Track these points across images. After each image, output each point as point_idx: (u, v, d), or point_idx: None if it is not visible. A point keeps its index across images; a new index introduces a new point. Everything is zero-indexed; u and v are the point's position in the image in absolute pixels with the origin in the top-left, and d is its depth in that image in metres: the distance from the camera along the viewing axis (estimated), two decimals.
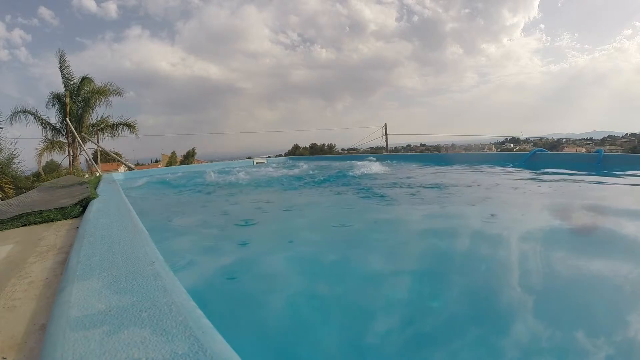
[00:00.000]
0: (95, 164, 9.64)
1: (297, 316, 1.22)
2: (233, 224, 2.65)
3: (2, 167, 7.58)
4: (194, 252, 1.91)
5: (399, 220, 2.62)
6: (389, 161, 7.25)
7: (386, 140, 12.37)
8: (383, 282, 1.46)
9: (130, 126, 13.27)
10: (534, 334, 1.06)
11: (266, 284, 1.48)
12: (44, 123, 12.28)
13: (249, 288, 1.45)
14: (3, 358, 0.63)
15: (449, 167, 5.78)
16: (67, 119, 10.96)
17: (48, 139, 12.37)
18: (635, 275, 1.44)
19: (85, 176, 8.31)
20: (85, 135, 11.92)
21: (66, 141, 12.24)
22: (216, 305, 1.27)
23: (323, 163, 7.74)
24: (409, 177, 4.77)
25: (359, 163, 6.45)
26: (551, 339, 1.04)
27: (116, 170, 12.63)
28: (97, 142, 12.13)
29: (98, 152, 10.84)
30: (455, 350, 1.00)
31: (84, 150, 10.33)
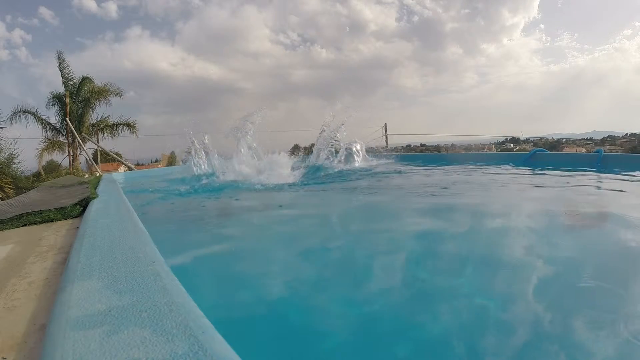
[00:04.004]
0: (95, 164, 9.65)
1: None
2: None
3: (2, 167, 7.59)
4: None
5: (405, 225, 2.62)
6: (386, 159, 7.17)
7: (386, 141, 12.37)
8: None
9: (130, 126, 13.27)
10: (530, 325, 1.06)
11: None
12: (44, 123, 12.28)
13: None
14: (3, 358, 0.63)
15: (449, 167, 5.77)
16: (67, 119, 10.97)
17: (48, 139, 12.38)
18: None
19: (85, 176, 8.32)
20: (85, 135, 11.93)
21: (66, 141, 12.25)
22: None
23: None
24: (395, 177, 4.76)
25: None
26: (545, 334, 1.04)
27: (116, 170, 12.63)
28: (97, 142, 12.14)
29: (98, 152, 10.86)
30: None
31: (84, 150, 10.35)
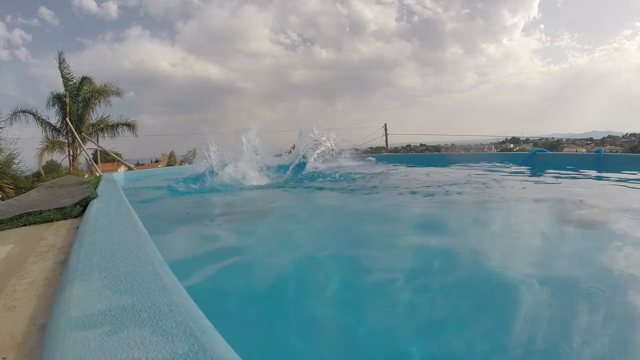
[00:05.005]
0: (95, 164, 9.66)
1: None
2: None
3: (2, 167, 7.59)
4: None
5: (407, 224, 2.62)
6: (386, 161, 7.18)
7: (386, 141, 12.37)
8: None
9: (130, 126, 13.28)
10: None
11: None
12: (44, 123, 12.29)
13: None
14: (3, 358, 0.63)
15: (449, 167, 5.78)
16: (67, 119, 10.99)
17: (48, 139, 12.39)
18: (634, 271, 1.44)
19: (85, 176, 8.32)
20: (85, 135, 11.94)
21: (66, 141, 12.26)
22: None
23: None
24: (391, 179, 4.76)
25: None
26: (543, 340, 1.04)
27: (116, 170, 12.64)
28: (97, 142, 12.15)
29: (98, 152, 10.87)
30: None
31: (84, 150, 10.36)
